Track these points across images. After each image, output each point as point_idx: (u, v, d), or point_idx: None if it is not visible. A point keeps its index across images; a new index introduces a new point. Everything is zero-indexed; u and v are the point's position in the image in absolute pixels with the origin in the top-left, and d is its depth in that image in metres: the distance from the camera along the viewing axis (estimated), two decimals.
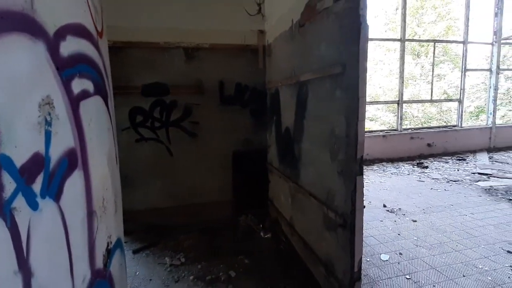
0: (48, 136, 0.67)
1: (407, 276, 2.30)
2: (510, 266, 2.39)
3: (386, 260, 2.53)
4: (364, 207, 2.96)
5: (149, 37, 3.21)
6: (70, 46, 0.82)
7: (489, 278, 2.24)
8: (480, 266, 2.40)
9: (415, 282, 2.22)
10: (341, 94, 1.91)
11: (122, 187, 3.47)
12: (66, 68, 0.77)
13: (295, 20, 2.63)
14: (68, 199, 0.76)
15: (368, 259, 2.55)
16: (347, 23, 1.81)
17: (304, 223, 2.57)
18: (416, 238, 2.91)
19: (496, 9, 7.46)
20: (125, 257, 1.35)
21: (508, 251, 2.62)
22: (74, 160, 0.78)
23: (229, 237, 3.07)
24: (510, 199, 3.90)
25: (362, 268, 2.37)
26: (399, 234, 3.01)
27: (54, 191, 0.70)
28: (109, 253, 0.96)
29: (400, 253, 2.64)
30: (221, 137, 3.56)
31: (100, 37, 1.08)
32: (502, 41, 7.56)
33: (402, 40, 6.67)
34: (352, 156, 1.77)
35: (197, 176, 3.51)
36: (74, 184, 0.79)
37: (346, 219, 1.83)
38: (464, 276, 2.28)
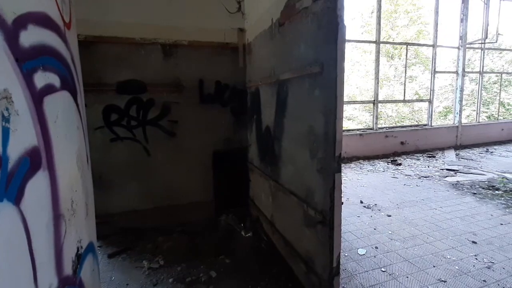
0: (5, 133, 0.61)
1: (383, 269, 2.39)
2: (475, 255, 2.56)
3: (363, 254, 2.62)
4: (342, 203, 3.04)
5: (123, 32, 3.08)
6: (32, 36, 0.75)
7: (456, 267, 2.39)
8: (449, 256, 2.55)
9: (390, 274, 2.32)
10: (320, 93, 1.94)
11: (97, 189, 3.29)
12: (27, 60, 0.71)
13: (274, 19, 2.64)
14: (30, 202, 0.70)
15: (346, 254, 2.63)
16: (325, 23, 1.83)
17: (284, 221, 2.59)
18: (390, 232, 3.04)
19: (462, 15, 7.96)
20: (99, 262, 1.28)
21: (473, 241, 2.81)
22: (37, 159, 0.72)
23: (209, 237, 3.03)
24: (475, 193, 4.19)
25: (341, 263, 2.44)
26: (375, 229, 3.13)
27: (14, 193, 0.64)
28: (79, 258, 0.90)
29: (376, 247, 2.74)
30: (201, 136, 3.50)
31: (68, 29, 1.01)
32: (467, 46, 8.09)
33: (377, 42, 6.93)
34: (330, 154, 1.81)
35: (176, 177, 3.43)
36: (37, 186, 0.73)
37: (325, 216, 1.87)
38: (434, 266, 2.41)
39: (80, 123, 1.02)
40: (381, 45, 7.07)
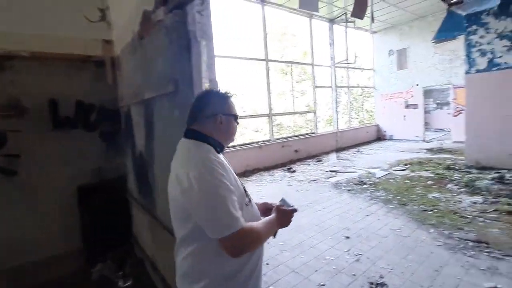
0: None
1: (271, 287, 2.35)
2: (347, 251, 2.85)
3: None
4: None
5: None
6: None
7: (333, 267, 2.58)
8: (328, 257, 2.76)
9: None
10: (179, 114, 1.75)
11: None
12: None
13: (135, 31, 2.35)
14: None
15: None
16: (176, 38, 1.68)
17: (164, 260, 2.24)
18: (282, 243, 3.10)
19: (330, 40, 9.61)
20: None
21: (347, 237, 3.15)
22: None
23: None
24: (349, 190, 4.87)
25: None
26: (268, 243, 3.14)
27: None
28: None
29: (267, 263, 2.72)
30: (58, 170, 2.79)
31: None
32: (336, 65, 9.79)
33: (266, 60, 7.51)
34: None
35: (21, 227, 2.59)
36: None
37: None
38: (316, 271, 2.54)
39: None
40: (270, 63, 7.69)
